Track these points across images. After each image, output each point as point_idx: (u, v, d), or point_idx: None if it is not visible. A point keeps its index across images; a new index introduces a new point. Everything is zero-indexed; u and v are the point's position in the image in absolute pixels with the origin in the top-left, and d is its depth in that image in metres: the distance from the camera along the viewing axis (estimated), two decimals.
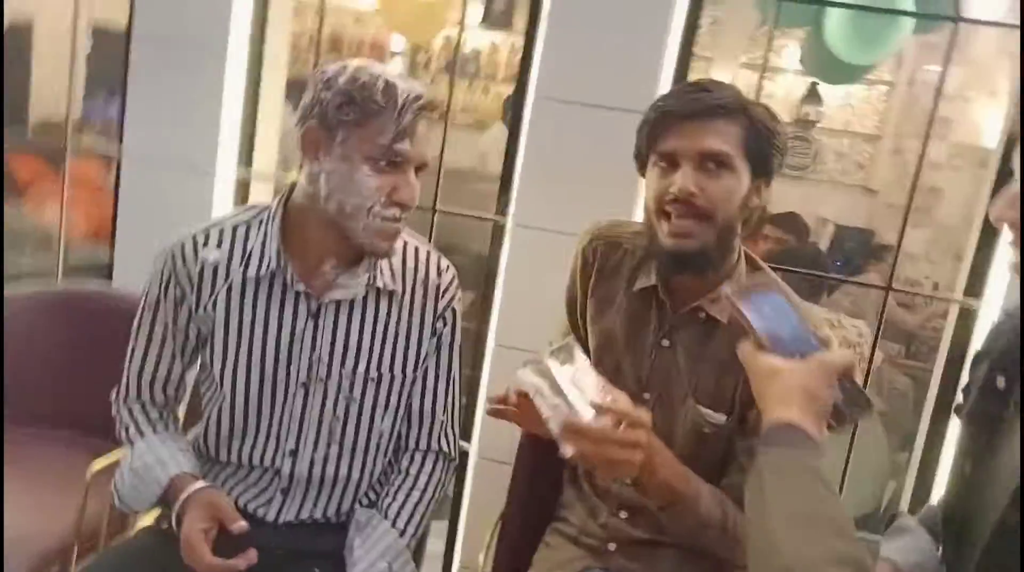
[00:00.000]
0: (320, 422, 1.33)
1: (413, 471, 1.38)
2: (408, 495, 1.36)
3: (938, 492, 1.91)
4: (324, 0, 2.33)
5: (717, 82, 1.23)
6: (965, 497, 0.93)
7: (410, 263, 1.36)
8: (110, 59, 2.36)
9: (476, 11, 5.34)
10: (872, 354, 2.05)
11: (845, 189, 5.21)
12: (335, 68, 1.21)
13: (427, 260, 1.38)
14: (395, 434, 1.40)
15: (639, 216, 1.56)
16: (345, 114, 1.18)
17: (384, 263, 1.32)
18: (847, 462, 2.01)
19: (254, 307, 1.30)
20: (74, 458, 1.65)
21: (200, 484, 1.26)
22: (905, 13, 2.38)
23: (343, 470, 1.36)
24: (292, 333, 1.30)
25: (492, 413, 1.19)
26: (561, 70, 1.89)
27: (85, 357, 1.83)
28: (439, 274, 1.38)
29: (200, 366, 1.38)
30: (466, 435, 2.05)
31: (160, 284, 1.31)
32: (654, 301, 1.30)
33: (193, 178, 2.13)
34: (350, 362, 1.32)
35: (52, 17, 3.16)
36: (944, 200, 4.53)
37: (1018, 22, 2.07)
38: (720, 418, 1.26)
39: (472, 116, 5.43)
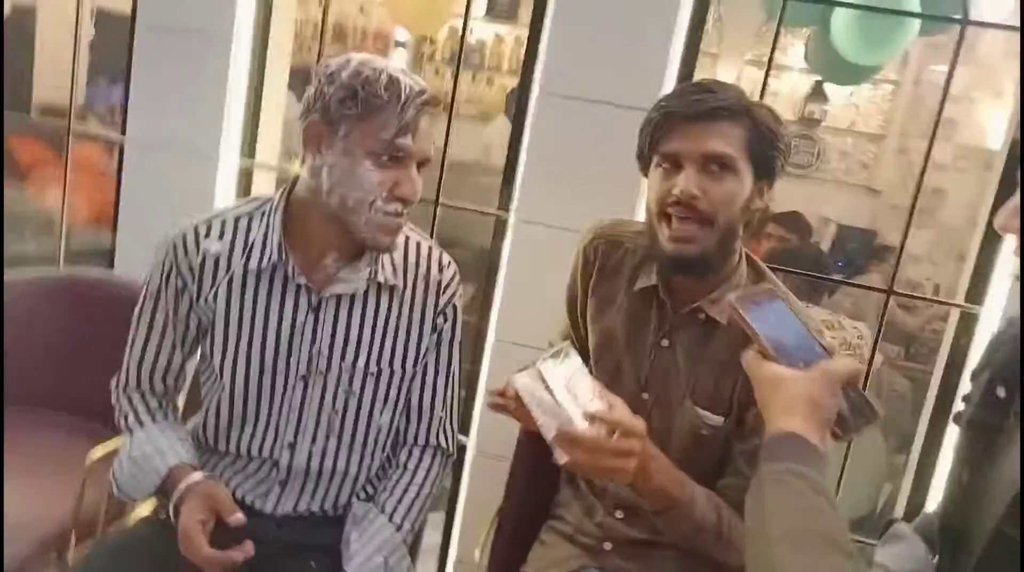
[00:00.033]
0: (319, 415, 1.33)
1: (411, 466, 1.39)
2: (406, 490, 1.36)
3: (935, 496, 1.91)
4: None
5: (721, 83, 1.22)
6: (962, 506, 0.92)
7: (412, 258, 1.36)
8: (114, 45, 2.35)
9: (481, 3, 5.33)
10: (872, 356, 2.04)
11: (848, 189, 5.20)
12: (338, 62, 1.20)
13: (429, 256, 1.38)
14: (394, 429, 1.40)
15: (641, 214, 1.56)
16: (347, 108, 1.17)
17: (386, 258, 1.32)
18: (843, 464, 2.01)
19: (255, 299, 1.29)
20: (75, 444, 1.66)
21: (198, 475, 1.26)
22: (912, 15, 2.37)
23: (341, 463, 1.36)
24: (292, 326, 1.30)
25: (492, 406, 1.19)
26: (566, 66, 1.88)
27: (87, 343, 1.84)
28: (440, 270, 1.38)
29: (200, 357, 1.39)
30: (464, 430, 2.06)
31: (161, 274, 1.31)
32: (654, 301, 1.30)
33: (196, 165, 2.13)
34: (350, 356, 1.32)
35: (56, 2, 3.16)
36: (947, 202, 4.52)
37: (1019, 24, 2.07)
38: (718, 420, 1.26)
39: (476, 108, 5.43)
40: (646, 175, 1.27)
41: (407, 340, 1.35)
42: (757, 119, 1.19)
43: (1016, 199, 0.84)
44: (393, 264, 1.33)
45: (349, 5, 5.48)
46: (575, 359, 1.12)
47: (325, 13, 2.28)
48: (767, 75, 1.94)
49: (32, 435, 1.82)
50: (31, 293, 1.95)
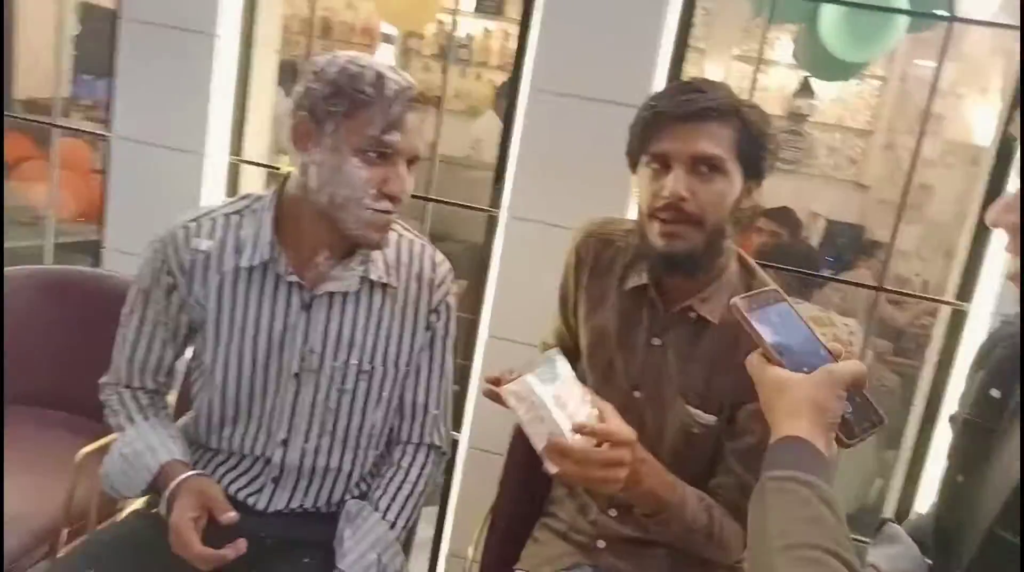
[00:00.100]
0: (312, 413, 1.32)
1: (404, 464, 1.38)
2: (399, 488, 1.36)
3: (924, 491, 1.92)
4: None
5: (710, 82, 1.22)
6: (956, 507, 0.92)
7: (404, 256, 1.35)
8: (97, 38, 2.33)
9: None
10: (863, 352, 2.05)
11: (837, 184, 5.22)
12: (325, 59, 1.20)
13: (422, 253, 1.37)
14: (387, 426, 1.39)
15: (633, 211, 1.56)
16: (334, 105, 1.17)
17: (378, 256, 1.31)
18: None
19: (246, 297, 1.29)
20: (71, 439, 1.64)
21: (191, 472, 1.26)
22: (900, 11, 2.38)
23: (334, 461, 1.35)
24: (284, 324, 1.29)
25: (487, 394, 1.18)
26: (555, 62, 1.88)
27: (82, 339, 1.82)
28: (433, 268, 1.37)
29: (192, 354, 1.38)
30: (457, 425, 2.05)
31: (151, 272, 1.30)
32: (646, 300, 1.30)
33: (183, 160, 2.12)
34: (342, 354, 1.31)
35: None
36: (935, 197, 4.54)
37: (1011, 21, 2.08)
38: (710, 419, 1.25)
39: (465, 102, 5.41)
40: (635, 173, 1.27)
41: (400, 338, 1.35)
42: (746, 119, 1.18)
43: (1008, 195, 0.84)
44: (386, 262, 1.33)
45: (336, 0, 5.46)
46: (564, 366, 1.12)
47: (312, 8, 2.27)
48: (756, 71, 1.95)
49: (28, 429, 1.81)
50: (28, 286, 1.94)
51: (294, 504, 1.35)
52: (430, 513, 2.13)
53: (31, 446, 1.75)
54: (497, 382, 1.14)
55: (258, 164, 2.25)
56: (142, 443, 1.29)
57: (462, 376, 2.03)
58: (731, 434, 1.25)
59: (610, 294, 1.33)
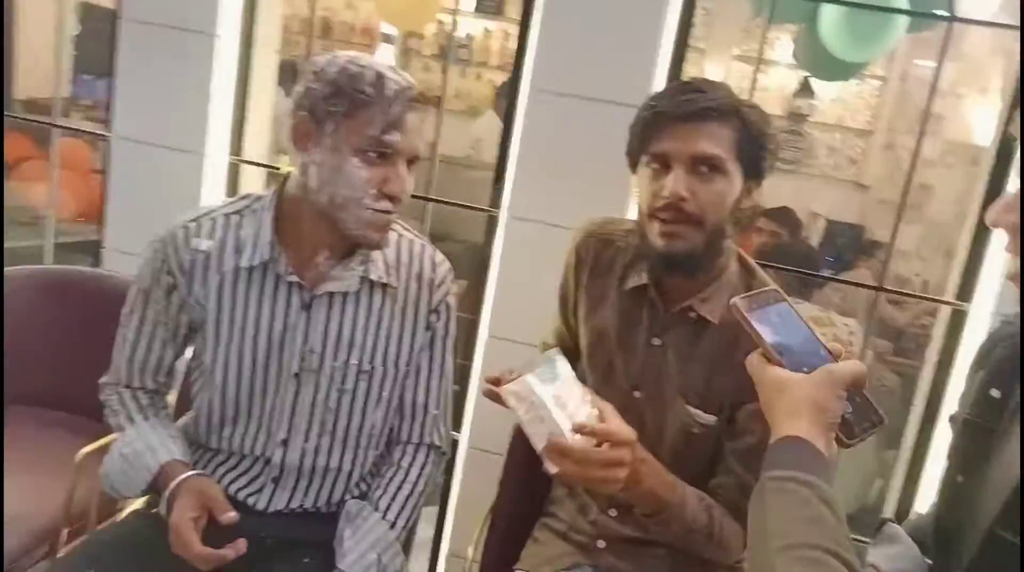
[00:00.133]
0: (311, 413, 1.32)
1: (404, 464, 1.38)
2: (399, 488, 1.36)
3: (924, 491, 1.92)
4: None
5: (710, 82, 1.22)
6: (956, 507, 0.92)
7: (404, 256, 1.35)
8: (97, 38, 2.33)
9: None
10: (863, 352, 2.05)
11: (837, 184, 5.22)
12: (325, 59, 1.20)
13: (422, 253, 1.37)
14: (387, 427, 1.39)
15: (633, 211, 1.56)
16: (334, 105, 1.17)
17: (378, 256, 1.31)
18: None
19: (246, 297, 1.29)
20: (71, 439, 1.64)
21: (191, 472, 1.26)
22: (900, 11, 2.38)
23: (334, 461, 1.35)
24: (284, 324, 1.29)
25: (487, 394, 1.18)
26: (555, 62, 1.88)
27: (82, 339, 1.82)
28: (434, 268, 1.37)
29: (192, 354, 1.38)
30: (457, 424, 2.05)
31: (151, 272, 1.30)
32: (646, 300, 1.30)
33: (183, 159, 2.12)
34: (342, 354, 1.31)
35: None
36: (935, 197, 4.54)
37: (1011, 21, 2.08)
38: (710, 419, 1.25)
39: (465, 102, 5.41)
40: (635, 173, 1.27)
41: (400, 338, 1.35)
42: (746, 120, 1.18)
43: (1008, 195, 0.84)
44: (386, 262, 1.33)
45: (336, 0, 5.46)
46: (564, 366, 1.12)
47: (312, 8, 2.27)
48: (756, 71, 1.95)
49: (28, 429, 1.81)
50: (29, 286, 1.94)
51: (294, 504, 1.35)
52: (430, 513, 2.13)
53: (31, 446, 1.75)
54: (497, 382, 1.14)
55: (258, 164, 2.26)
56: (142, 443, 1.29)
57: (462, 376, 2.03)
58: (731, 434, 1.25)
59: (610, 294, 1.33)
